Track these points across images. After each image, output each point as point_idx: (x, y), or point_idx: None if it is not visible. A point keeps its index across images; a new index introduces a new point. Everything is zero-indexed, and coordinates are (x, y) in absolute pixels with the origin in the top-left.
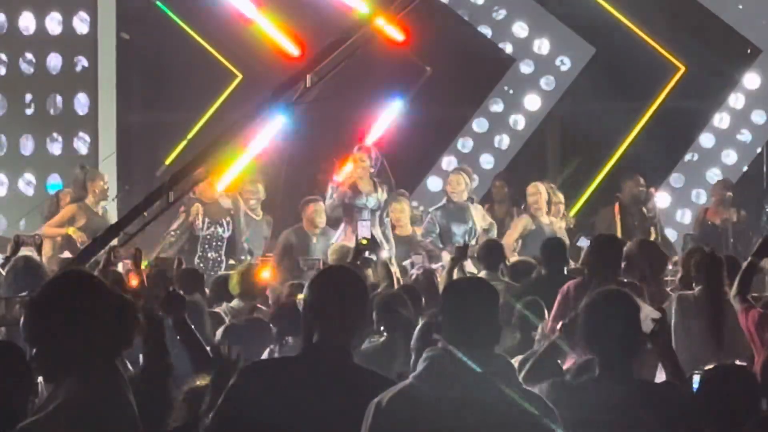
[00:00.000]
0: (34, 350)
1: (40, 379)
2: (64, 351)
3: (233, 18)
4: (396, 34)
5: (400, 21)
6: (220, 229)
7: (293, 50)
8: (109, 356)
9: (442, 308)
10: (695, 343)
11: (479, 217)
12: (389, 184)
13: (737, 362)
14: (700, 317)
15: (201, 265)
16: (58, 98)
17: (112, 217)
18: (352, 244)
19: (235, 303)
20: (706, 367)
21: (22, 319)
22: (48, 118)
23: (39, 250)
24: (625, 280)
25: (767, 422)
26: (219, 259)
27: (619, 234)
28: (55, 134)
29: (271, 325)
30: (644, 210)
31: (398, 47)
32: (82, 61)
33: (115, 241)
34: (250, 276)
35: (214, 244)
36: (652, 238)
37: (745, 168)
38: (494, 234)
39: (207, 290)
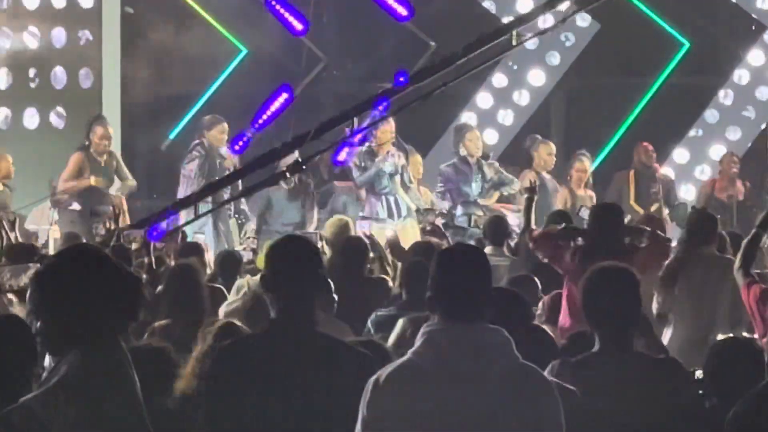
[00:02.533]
0: (39, 323)
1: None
2: (69, 325)
3: None
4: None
5: None
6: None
7: (297, 25)
8: (113, 331)
9: (433, 280)
10: (682, 301)
11: (492, 172)
12: (405, 152)
13: (745, 335)
14: (682, 275)
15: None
16: (63, 72)
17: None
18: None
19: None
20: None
21: (28, 292)
22: (52, 92)
23: (12, 227)
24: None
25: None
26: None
27: (632, 199)
28: (59, 108)
29: None
30: (656, 173)
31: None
32: (87, 35)
33: (122, 223)
34: None
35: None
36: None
37: (749, 144)
38: (515, 189)
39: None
